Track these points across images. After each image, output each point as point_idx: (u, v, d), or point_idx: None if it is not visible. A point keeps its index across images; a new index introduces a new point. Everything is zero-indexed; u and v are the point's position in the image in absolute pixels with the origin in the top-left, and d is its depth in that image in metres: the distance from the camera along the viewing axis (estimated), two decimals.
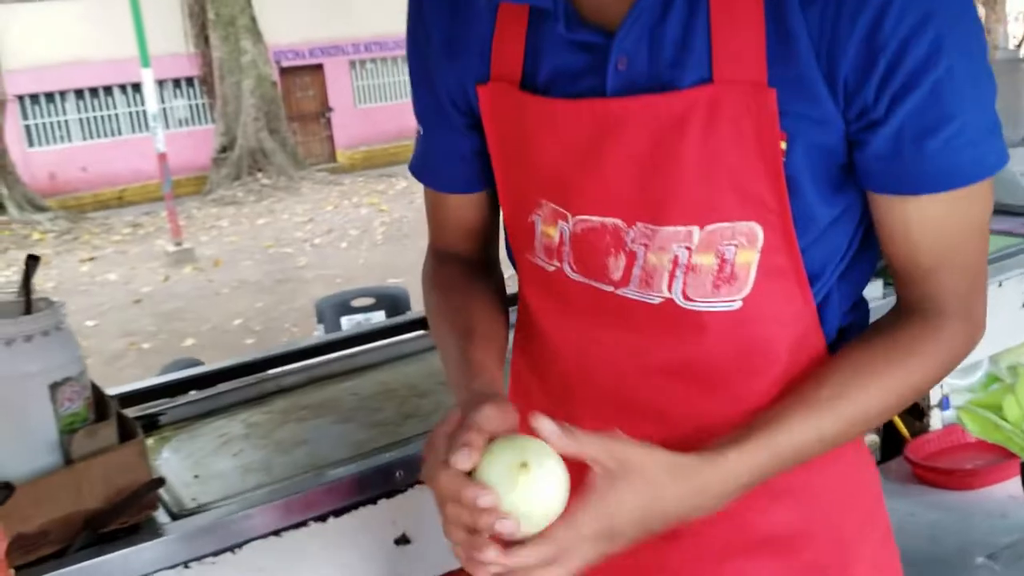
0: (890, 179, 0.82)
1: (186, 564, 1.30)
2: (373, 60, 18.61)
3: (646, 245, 0.86)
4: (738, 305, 0.86)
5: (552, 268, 0.96)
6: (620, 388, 0.95)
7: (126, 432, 1.38)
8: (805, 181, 0.82)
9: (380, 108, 18.50)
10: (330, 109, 18.48)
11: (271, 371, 1.97)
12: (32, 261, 1.54)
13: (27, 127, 15.94)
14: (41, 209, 13.81)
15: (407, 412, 1.68)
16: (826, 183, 0.84)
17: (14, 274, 9.84)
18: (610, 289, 0.91)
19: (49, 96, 16.06)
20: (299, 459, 1.54)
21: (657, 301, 0.88)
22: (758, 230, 0.83)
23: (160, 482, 1.30)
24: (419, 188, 1.14)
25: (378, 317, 4.51)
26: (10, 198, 13.55)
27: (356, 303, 4.49)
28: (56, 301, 1.44)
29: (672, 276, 0.86)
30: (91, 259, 9.97)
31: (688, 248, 0.84)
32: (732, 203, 0.82)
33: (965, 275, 0.87)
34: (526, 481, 0.72)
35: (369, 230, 10.24)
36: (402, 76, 18.14)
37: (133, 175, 16.07)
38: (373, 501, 1.38)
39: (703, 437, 0.84)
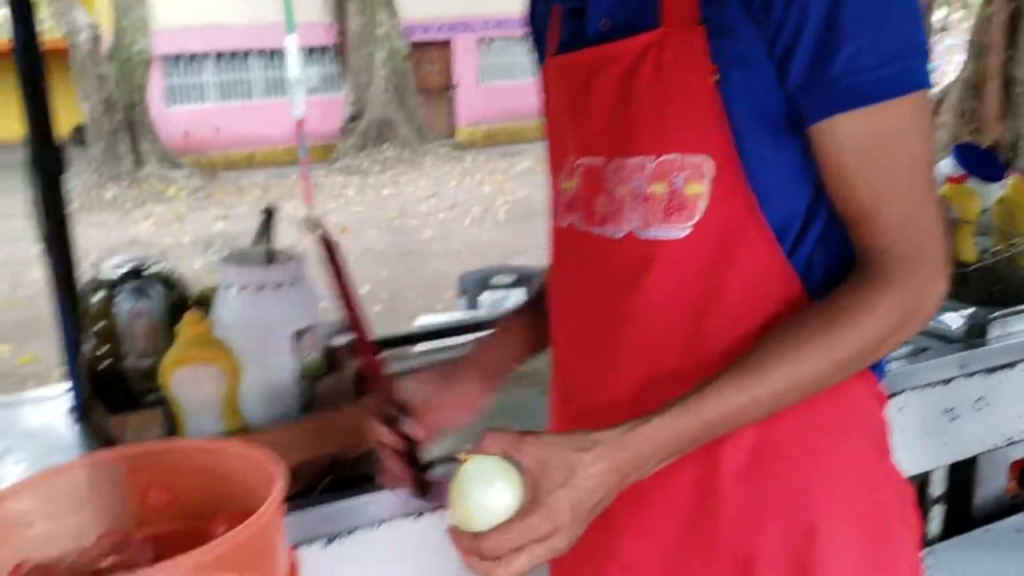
0: (810, 108, 0.86)
1: (419, 514, 1.35)
2: (500, 38, 18.65)
3: (617, 179, 0.96)
4: (687, 231, 0.91)
5: (566, 223, 1.04)
6: (591, 336, 1.02)
7: (359, 385, 1.43)
8: (743, 117, 0.88)
9: (504, 86, 18.53)
10: (454, 85, 18.64)
11: (459, 338, 2.02)
12: (269, 214, 1.60)
13: (167, 87, 16.55)
14: (176, 166, 14.35)
15: None
16: (767, 123, 0.88)
17: (151, 226, 10.26)
18: (597, 232, 0.98)
19: (191, 57, 16.64)
20: (513, 424, 1.57)
21: (620, 236, 0.96)
22: (707, 163, 0.89)
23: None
24: (541, 169, 1.18)
25: (517, 295, 4.57)
26: (150, 154, 14.11)
27: (497, 280, 4.53)
28: (298, 253, 1.50)
29: (632, 208, 0.94)
30: (224, 217, 10.33)
31: (642, 177, 0.93)
32: (680, 135, 0.90)
33: (904, 217, 0.87)
34: (463, 500, 0.83)
35: (492, 208, 10.32)
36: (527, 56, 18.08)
37: (262, 139, 16.54)
38: None
39: (655, 388, 0.93)
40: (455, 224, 9.77)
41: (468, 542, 0.83)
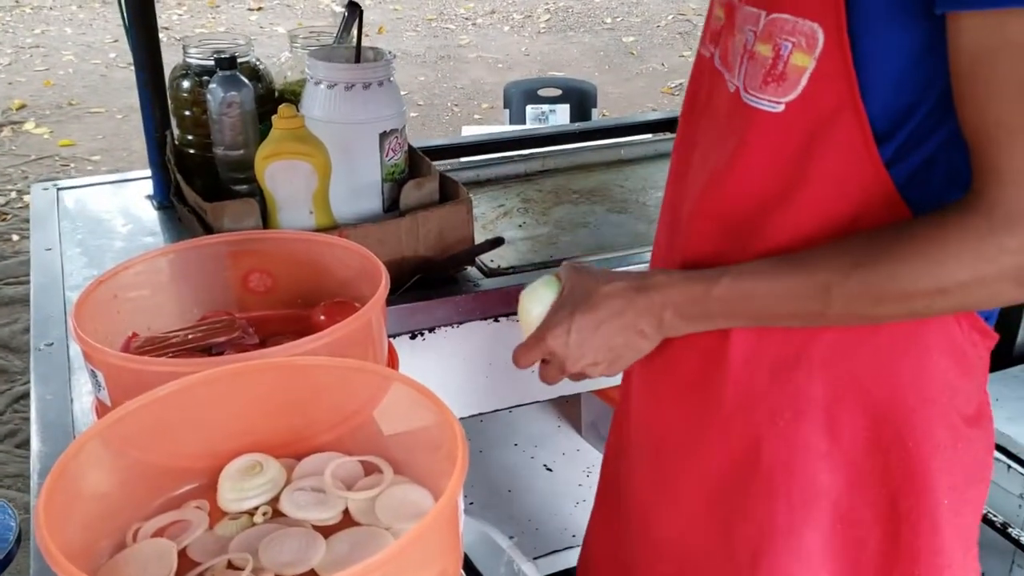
0: None
1: (496, 318, 1.40)
2: None
3: (739, 25, 0.88)
4: (780, 108, 0.83)
5: (708, 54, 0.97)
6: (687, 184, 0.97)
7: (444, 191, 1.46)
8: None
9: None
10: None
11: (532, 151, 2.02)
12: (355, 8, 1.58)
13: None
14: None
15: None
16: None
17: (185, 12, 10.04)
18: (724, 76, 0.91)
19: None
20: (583, 239, 1.60)
21: (731, 89, 0.89)
22: (819, 33, 0.78)
23: (500, 241, 1.37)
24: None
25: (563, 110, 4.50)
26: None
27: (543, 92, 4.45)
28: (387, 52, 1.49)
29: (740, 61, 0.87)
30: (259, 8, 10.07)
31: (754, 32, 0.84)
32: None
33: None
34: (524, 306, 1.01)
35: (533, 16, 10.00)
36: None
37: None
38: None
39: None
40: (494, 30, 9.50)
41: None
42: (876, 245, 0.78)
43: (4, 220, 4.52)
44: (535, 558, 1.52)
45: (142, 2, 1.56)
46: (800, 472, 0.90)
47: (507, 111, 4.48)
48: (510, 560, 1.45)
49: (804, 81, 0.80)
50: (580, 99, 4.40)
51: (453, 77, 7.94)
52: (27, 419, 3.00)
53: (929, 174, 0.81)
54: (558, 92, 4.46)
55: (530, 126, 4.21)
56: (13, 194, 4.84)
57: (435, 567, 0.81)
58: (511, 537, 1.54)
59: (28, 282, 3.96)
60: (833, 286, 0.79)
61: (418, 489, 0.94)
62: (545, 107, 4.44)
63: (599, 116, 4.53)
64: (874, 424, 0.87)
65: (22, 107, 6.19)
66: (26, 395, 3.14)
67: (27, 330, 3.51)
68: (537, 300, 0.99)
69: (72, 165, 5.34)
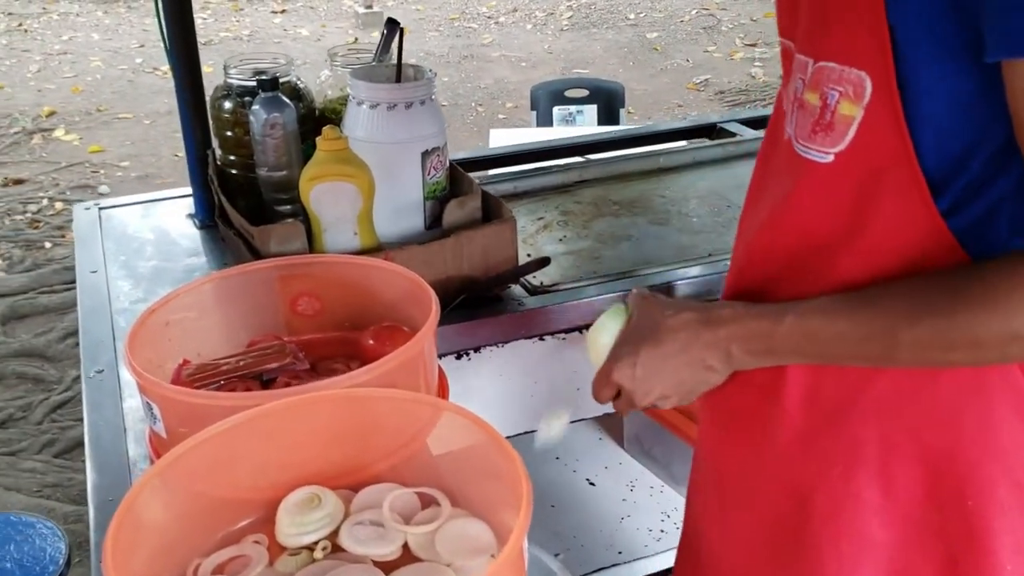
0: (993, 41, 0.68)
1: (541, 337, 1.40)
2: None
3: (792, 72, 0.87)
4: (830, 159, 0.81)
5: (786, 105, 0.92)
6: (750, 221, 0.97)
7: (486, 207, 1.45)
8: (909, 35, 0.73)
9: None
10: None
11: (569, 160, 2.02)
12: (395, 26, 1.58)
13: None
14: None
15: (722, 222, 1.69)
16: (937, 43, 0.73)
17: (210, 16, 10.09)
18: (784, 122, 0.90)
19: None
20: (625, 253, 1.59)
21: (785, 137, 0.88)
22: (866, 82, 0.76)
23: (547, 261, 1.37)
24: None
25: (590, 110, 4.49)
26: None
27: (570, 93, 4.44)
28: (428, 70, 1.48)
29: (792, 109, 0.86)
30: (283, 11, 10.10)
31: (803, 80, 0.83)
32: (839, 40, 0.78)
33: None
34: (591, 337, 1.01)
35: (556, 13, 9.98)
36: None
37: None
38: None
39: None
40: (516, 28, 9.48)
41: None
42: (945, 290, 0.75)
43: (37, 228, 4.56)
44: None
45: (182, 21, 1.57)
46: (851, 524, 0.88)
47: (534, 113, 4.47)
48: None
49: (852, 131, 0.78)
50: (608, 99, 4.39)
51: (477, 77, 7.93)
52: (64, 428, 3.03)
53: (991, 225, 0.78)
54: (585, 92, 4.44)
55: (558, 129, 4.19)
56: (45, 201, 4.88)
57: None
58: (557, 555, 1.53)
59: (63, 291, 4.00)
60: (900, 331, 0.77)
61: (476, 523, 0.93)
62: (573, 108, 4.43)
63: (626, 115, 4.51)
64: (932, 478, 0.84)
65: (52, 114, 6.24)
66: (63, 404, 3.17)
67: (63, 339, 3.55)
68: (604, 330, 0.99)
69: (102, 171, 5.38)
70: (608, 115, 4.31)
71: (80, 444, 2.96)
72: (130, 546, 0.79)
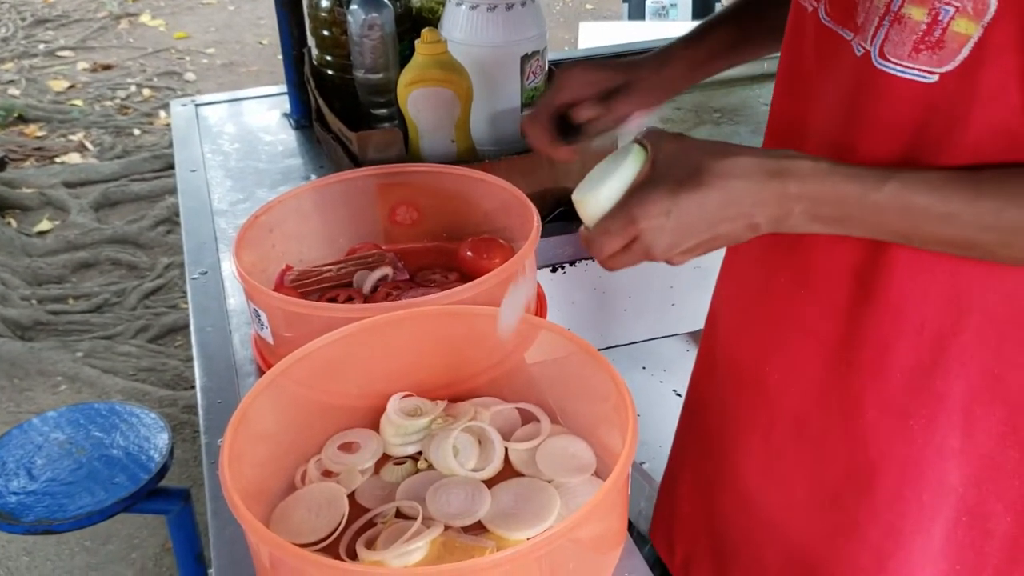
0: None
1: None
2: None
3: None
4: (934, 79, 0.72)
5: (810, 8, 0.83)
6: (814, 132, 0.85)
7: None
8: None
9: None
10: None
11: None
12: None
13: None
14: None
15: None
16: None
17: None
18: (849, 37, 0.78)
19: None
20: None
21: (859, 52, 0.76)
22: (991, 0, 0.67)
23: None
24: None
25: (684, 3, 4.32)
26: None
27: None
28: None
29: (879, 25, 0.74)
30: None
31: None
32: None
33: None
34: (585, 187, 0.83)
35: None
36: None
37: None
38: None
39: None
40: None
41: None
42: None
43: (126, 114, 4.63)
44: None
45: None
46: (932, 472, 0.85)
47: (626, 5, 4.33)
48: (642, 487, 1.47)
49: (966, 51, 0.70)
50: None
51: None
52: (157, 315, 3.13)
53: None
54: None
55: (650, 24, 4.06)
56: (133, 87, 4.94)
57: (610, 521, 0.82)
58: (642, 463, 1.55)
59: (152, 179, 4.06)
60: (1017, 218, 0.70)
61: (577, 441, 0.94)
62: (666, 0, 4.28)
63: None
64: (1011, 416, 0.81)
65: None
66: (155, 291, 3.27)
67: (154, 226, 3.63)
68: (613, 176, 0.78)
69: (187, 58, 5.41)
70: (703, 7, 4.15)
71: (172, 330, 3.07)
72: (244, 452, 0.81)
